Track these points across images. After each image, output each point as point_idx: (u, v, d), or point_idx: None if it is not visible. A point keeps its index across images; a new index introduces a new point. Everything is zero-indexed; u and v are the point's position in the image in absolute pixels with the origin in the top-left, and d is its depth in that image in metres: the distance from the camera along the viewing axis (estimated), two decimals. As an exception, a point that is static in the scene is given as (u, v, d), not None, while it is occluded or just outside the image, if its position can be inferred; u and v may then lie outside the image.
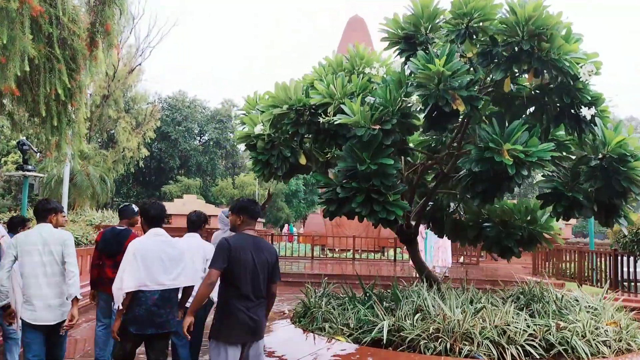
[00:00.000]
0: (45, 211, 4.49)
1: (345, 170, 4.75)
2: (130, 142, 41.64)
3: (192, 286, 4.25)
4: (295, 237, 30.25)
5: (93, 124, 39.90)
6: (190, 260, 4.37)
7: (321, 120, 4.99)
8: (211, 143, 56.05)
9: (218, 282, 3.74)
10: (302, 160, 5.47)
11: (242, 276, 3.66)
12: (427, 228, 14.46)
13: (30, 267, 4.20)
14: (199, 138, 57.37)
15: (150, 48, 48.38)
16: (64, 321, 4.29)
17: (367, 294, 6.74)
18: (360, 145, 4.69)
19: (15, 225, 5.67)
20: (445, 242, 14.15)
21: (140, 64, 42.27)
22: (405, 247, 24.57)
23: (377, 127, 4.56)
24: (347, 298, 6.83)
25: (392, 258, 21.10)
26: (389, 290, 7.01)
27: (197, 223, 5.28)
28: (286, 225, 45.87)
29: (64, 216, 5.04)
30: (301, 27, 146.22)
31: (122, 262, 4.00)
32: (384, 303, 6.03)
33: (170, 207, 23.33)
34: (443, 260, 13.99)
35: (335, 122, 4.75)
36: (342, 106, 4.84)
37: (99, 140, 43.04)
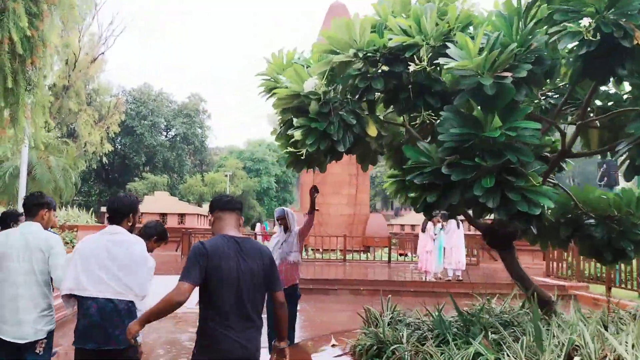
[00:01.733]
0: (37, 206, 3.94)
1: (456, 140, 3.15)
2: (93, 136, 39.03)
3: None
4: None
5: (52, 117, 37.20)
6: (148, 270, 3.57)
7: (411, 68, 3.37)
8: (178, 138, 53.58)
9: None
10: (372, 131, 3.84)
11: (225, 291, 2.92)
12: (442, 227, 13.09)
13: (5, 273, 3.75)
14: (165, 133, 54.79)
15: (114, 37, 45.65)
16: (38, 340, 3.75)
17: (465, 320, 5.00)
18: (481, 102, 3.13)
19: (5, 221, 5.05)
20: (459, 241, 12.75)
21: (103, 53, 39.64)
22: (393, 246, 23.19)
23: (509, 74, 3.02)
24: (429, 325, 5.07)
25: (381, 259, 19.57)
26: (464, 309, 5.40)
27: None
28: (258, 224, 43.96)
29: (57, 216, 4.28)
30: (300, 26, 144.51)
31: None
32: (488, 333, 4.35)
33: (143, 205, 21.34)
34: (457, 262, 12.58)
35: (445, 67, 3.14)
36: (447, 45, 3.25)
37: (58, 136, 40.29)
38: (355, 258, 19.90)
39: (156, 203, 21.17)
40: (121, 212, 3.53)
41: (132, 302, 3.42)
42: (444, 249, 12.98)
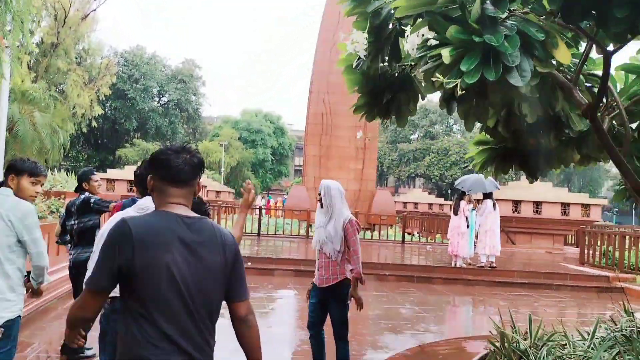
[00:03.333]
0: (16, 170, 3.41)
1: None
2: (82, 98, 37.02)
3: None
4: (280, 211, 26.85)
5: (39, 76, 35.14)
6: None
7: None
8: (171, 104, 51.52)
9: None
10: (563, 55, 2.34)
11: (158, 302, 1.84)
12: (473, 208, 11.74)
13: None
14: (158, 98, 52.66)
15: (106, -7, 43.25)
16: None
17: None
18: None
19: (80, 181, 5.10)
20: (494, 225, 11.42)
21: (94, 10, 37.35)
22: (403, 225, 21.96)
23: None
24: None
25: (392, 238, 18.23)
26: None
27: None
28: (263, 196, 42.51)
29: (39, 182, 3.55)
30: (300, 21, 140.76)
31: None
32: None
33: (129, 173, 19.70)
34: (491, 247, 11.26)
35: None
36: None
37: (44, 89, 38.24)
38: (367, 237, 18.55)
39: (150, 170, 19.51)
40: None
41: None
42: (478, 232, 11.67)
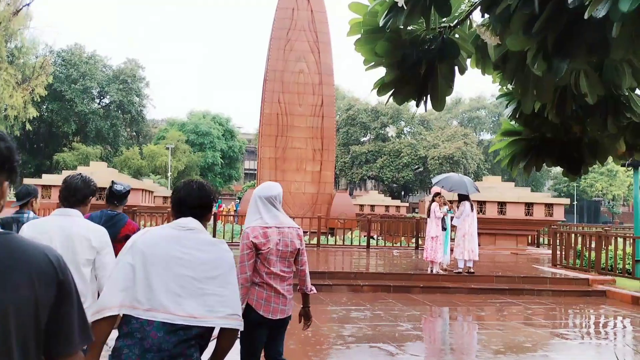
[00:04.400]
0: None
1: None
2: (14, 99, 34.40)
3: None
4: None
5: (-36, 75, 32.38)
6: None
7: None
8: (113, 106, 49.01)
9: None
10: None
11: None
12: (448, 209, 11.05)
13: None
14: (98, 100, 50.01)
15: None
16: None
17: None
18: None
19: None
20: (472, 228, 10.75)
21: (27, 5, 34.78)
22: (364, 228, 21.20)
23: None
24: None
25: (355, 243, 17.40)
26: None
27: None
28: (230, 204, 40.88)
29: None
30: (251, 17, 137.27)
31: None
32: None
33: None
34: (469, 252, 10.58)
35: None
36: None
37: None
38: (330, 242, 17.68)
39: (92, 176, 17.85)
40: (199, 206, 2.46)
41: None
42: (454, 236, 10.98)
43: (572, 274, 11.59)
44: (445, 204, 10.85)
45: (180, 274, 2.21)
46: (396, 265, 12.43)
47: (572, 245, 12.57)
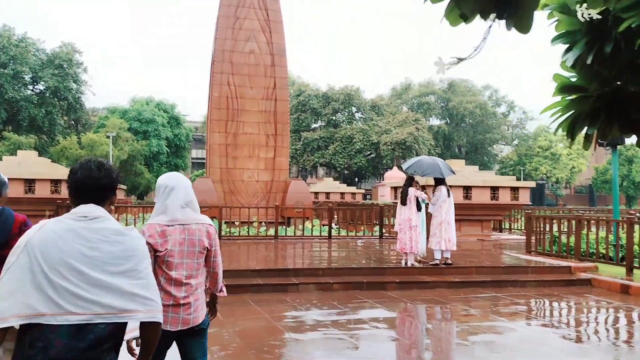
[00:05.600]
0: None
1: None
2: None
3: None
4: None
5: None
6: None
7: None
8: (48, 93, 45.67)
9: None
10: None
11: None
12: (423, 195, 10.07)
13: None
14: (32, 86, 46.47)
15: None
16: None
17: None
18: None
19: None
20: (449, 215, 9.84)
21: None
22: (320, 216, 20.14)
23: None
24: None
25: (312, 233, 16.29)
26: None
27: None
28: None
29: None
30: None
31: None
32: None
33: (-4, 168, 16.07)
34: (447, 241, 9.66)
35: None
36: None
37: None
38: (288, 234, 16.52)
39: (20, 166, 15.98)
40: (102, 188, 2.17)
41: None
42: (431, 224, 10.01)
43: (548, 260, 10.93)
44: (424, 189, 9.89)
45: (86, 272, 2.00)
46: (364, 257, 11.39)
47: (548, 230, 11.92)
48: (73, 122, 51.87)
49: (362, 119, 59.11)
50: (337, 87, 56.93)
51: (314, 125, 58.30)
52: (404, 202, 9.64)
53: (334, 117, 57.16)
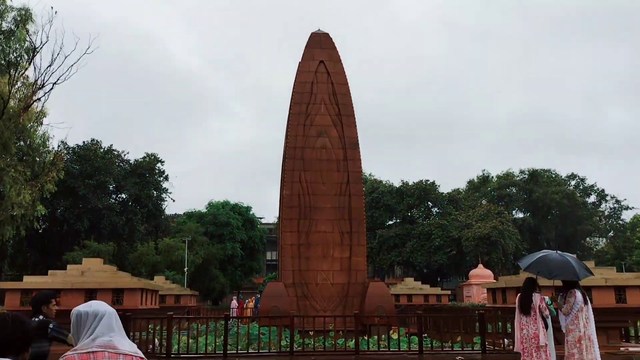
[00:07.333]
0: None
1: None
2: (22, 197, 32.51)
3: None
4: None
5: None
6: None
7: None
8: (130, 201, 47.16)
9: None
10: None
11: None
12: (547, 311, 7.71)
13: None
14: (115, 195, 48.32)
15: (52, 82, 40.09)
16: None
17: None
18: None
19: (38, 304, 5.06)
20: (589, 329, 7.41)
21: (40, 99, 33.86)
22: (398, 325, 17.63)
23: None
24: None
25: (399, 348, 13.86)
26: None
27: None
28: (233, 298, 37.53)
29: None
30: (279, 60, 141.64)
31: None
32: None
33: (60, 279, 15.33)
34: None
35: None
36: None
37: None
38: (361, 347, 14.23)
39: (83, 275, 15.10)
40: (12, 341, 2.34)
41: None
42: (567, 340, 7.60)
43: None
44: (551, 294, 7.64)
45: None
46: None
47: None
48: (153, 228, 52.99)
49: (439, 213, 56.49)
50: (411, 182, 55.39)
51: (388, 222, 56.26)
52: (526, 312, 7.37)
53: (409, 213, 55.00)
